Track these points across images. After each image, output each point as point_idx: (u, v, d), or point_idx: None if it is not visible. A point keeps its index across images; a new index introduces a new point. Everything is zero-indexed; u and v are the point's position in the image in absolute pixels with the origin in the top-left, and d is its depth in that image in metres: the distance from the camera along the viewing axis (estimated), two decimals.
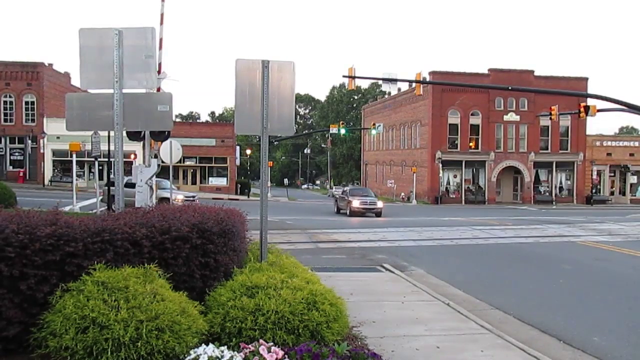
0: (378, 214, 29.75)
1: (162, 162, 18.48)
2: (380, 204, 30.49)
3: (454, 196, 50.00)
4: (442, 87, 46.22)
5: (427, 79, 43.59)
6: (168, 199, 26.68)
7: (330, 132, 59.56)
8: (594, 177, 51.97)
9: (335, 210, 33.30)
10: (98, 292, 4.23)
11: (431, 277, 10.02)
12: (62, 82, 49.84)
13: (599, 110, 29.50)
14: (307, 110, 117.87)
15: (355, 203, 30.00)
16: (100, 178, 31.21)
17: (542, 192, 52.01)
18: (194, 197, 28.06)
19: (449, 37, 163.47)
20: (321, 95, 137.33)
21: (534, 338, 6.40)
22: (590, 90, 48.13)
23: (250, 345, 4.20)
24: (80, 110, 6.12)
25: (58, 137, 42.15)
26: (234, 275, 5.44)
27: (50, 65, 49.04)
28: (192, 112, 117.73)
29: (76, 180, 27.64)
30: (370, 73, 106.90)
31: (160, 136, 14.34)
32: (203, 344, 4.14)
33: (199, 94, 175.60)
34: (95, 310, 4.04)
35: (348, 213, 30.00)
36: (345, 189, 37.89)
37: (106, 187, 23.40)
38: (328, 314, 4.84)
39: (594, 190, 51.01)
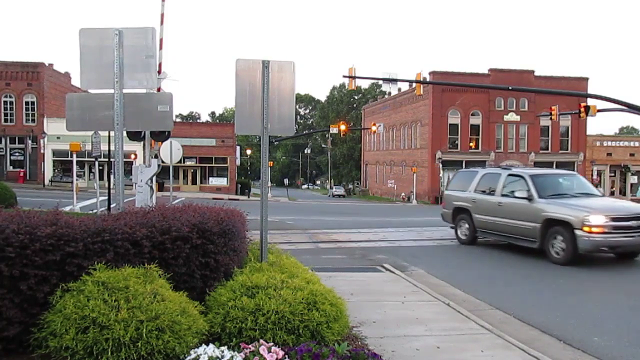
0: None
1: (163, 162, 18.49)
2: None
3: None
4: (442, 87, 46.28)
5: (427, 79, 43.61)
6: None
7: (331, 132, 59.59)
8: (594, 177, 52.02)
9: None
10: (98, 292, 4.23)
11: (431, 277, 10.01)
12: (62, 82, 49.90)
13: (599, 110, 29.54)
14: (307, 110, 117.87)
15: None
16: (101, 178, 31.19)
17: None
18: None
19: (449, 37, 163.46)
20: (321, 95, 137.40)
21: (534, 338, 6.39)
22: (590, 90, 48.22)
23: (250, 345, 4.21)
24: (81, 110, 6.12)
25: (58, 137, 42.20)
26: (234, 275, 5.44)
27: (51, 65, 49.06)
28: (192, 112, 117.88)
29: (76, 180, 27.64)
30: (371, 73, 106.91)
31: (160, 136, 14.35)
32: (203, 344, 4.14)
33: (199, 94, 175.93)
34: (96, 310, 4.04)
35: None
36: None
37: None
38: (328, 314, 4.84)
39: None
